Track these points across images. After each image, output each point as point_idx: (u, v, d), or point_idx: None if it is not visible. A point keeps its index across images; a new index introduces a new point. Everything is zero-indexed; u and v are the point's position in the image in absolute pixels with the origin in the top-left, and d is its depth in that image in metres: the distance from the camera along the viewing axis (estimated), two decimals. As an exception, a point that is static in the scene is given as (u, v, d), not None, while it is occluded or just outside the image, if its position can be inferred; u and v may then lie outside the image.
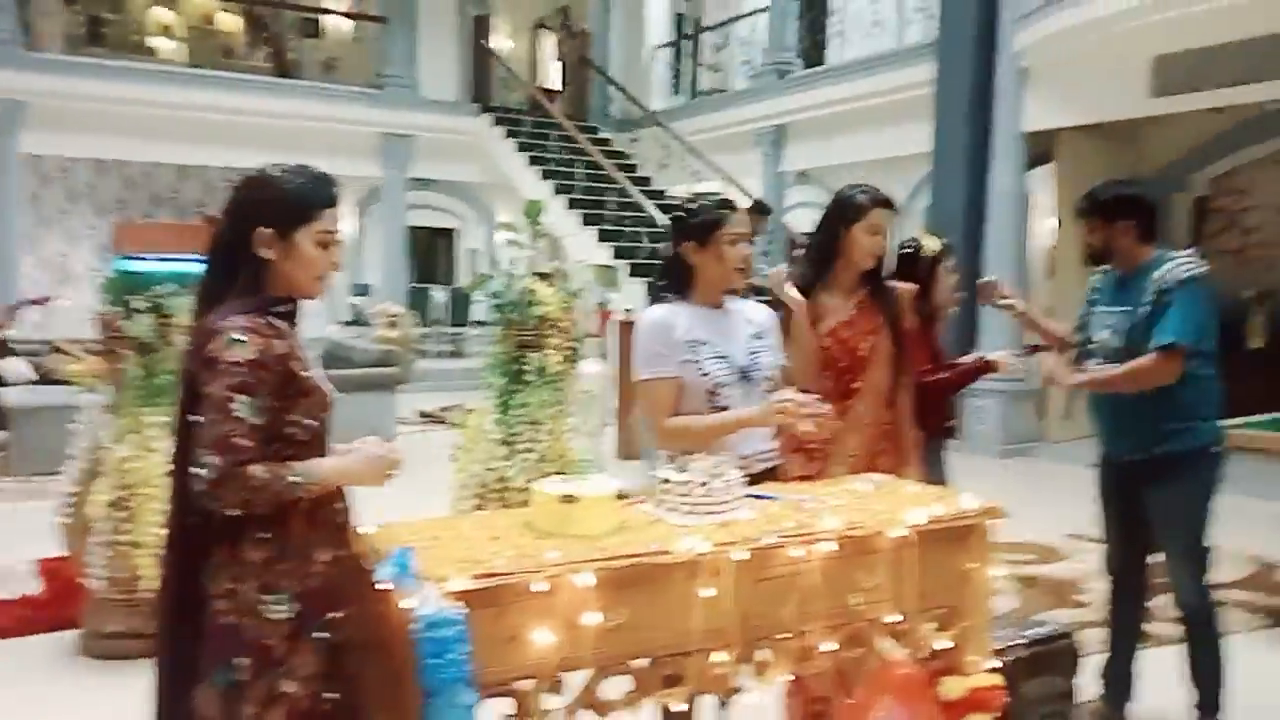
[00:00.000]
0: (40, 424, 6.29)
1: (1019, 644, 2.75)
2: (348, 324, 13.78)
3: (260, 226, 1.83)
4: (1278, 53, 6.22)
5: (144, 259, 12.39)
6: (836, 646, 2.01)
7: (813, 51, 11.79)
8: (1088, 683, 3.06)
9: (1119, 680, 3.22)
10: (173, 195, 14.12)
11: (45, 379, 7.44)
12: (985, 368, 3.37)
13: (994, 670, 2.28)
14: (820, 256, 2.88)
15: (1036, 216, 8.52)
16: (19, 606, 4.04)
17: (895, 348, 2.85)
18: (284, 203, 1.84)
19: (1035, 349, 7.60)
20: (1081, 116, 7.81)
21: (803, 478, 2.59)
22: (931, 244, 3.47)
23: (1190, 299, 2.88)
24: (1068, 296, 3.62)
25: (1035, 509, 4.19)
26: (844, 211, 2.85)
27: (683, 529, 1.88)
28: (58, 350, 7.75)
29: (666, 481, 1.98)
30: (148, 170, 14.15)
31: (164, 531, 1.94)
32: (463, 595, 1.55)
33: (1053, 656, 2.82)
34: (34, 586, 4.27)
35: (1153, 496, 3.03)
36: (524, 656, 1.65)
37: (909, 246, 3.48)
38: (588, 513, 1.81)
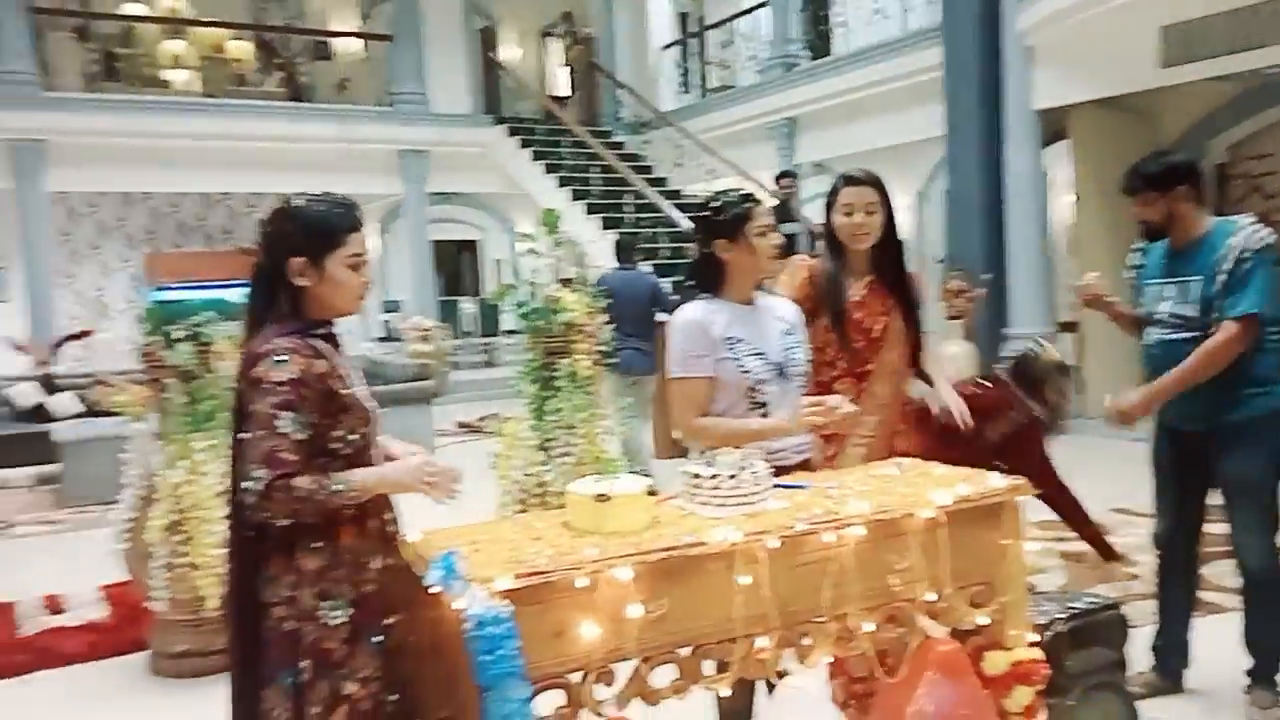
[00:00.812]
0: (90, 455, 6.46)
1: (1062, 617, 2.77)
2: (381, 340, 13.96)
3: (292, 256, 1.92)
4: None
5: (177, 288, 12.64)
6: (875, 627, 2.06)
7: (818, 43, 11.81)
8: (1140, 654, 3.09)
9: (1171, 650, 3.23)
10: (200, 223, 14.37)
11: (92, 411, 7.64)
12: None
13: (1035, 644, 2.33)
14: (828, 245, 2.95)
15: (1055, 194, 8.50)
16: (87, 632, 4.18)
17: (909, 328, 2.89)
18: (311, 232, 1.94)
19: (1066, 326, 7.58)
20: (1092, 91, 7.78)
21: (824, 460, 2.65)
22: (1051, 354, 3.55)
23: (1265, 265, 2.89)
24: (1091, 270, 3.64)
25: (1079, 484, 4.21)
26: (829, 195, 2.93)
27: (714, 521, 1.93)
28: (101, 383, 7.93)
29: (696, 476, 2.04)
30: (173, 200, 14.41)
31: (224, 546, 2.04)
32: (508, 594, 1.62)
33: (1099, 628, 2.83)
34: (100, 612, 4.41)
35: (1223, 464, 3.03)
36: (571, 650, 1.72)
37: (1027, 354, 3.58)
38: (621, 510, 1.87)
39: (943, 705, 2.11)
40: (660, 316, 6.43)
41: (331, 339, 2.01)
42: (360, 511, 1.95)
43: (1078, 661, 2.72)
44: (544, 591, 1.69)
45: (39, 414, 7.81)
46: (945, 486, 2.19)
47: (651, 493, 2.01)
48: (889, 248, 2.92)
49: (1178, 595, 3.25)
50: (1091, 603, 2.87)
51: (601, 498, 1.88)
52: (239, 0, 14.81)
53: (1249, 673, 3.08)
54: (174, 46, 13.74)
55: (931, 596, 2.13)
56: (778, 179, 9.66)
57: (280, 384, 1.83)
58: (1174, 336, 3.04)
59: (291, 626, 1.86)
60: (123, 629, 4.17)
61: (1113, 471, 3.50)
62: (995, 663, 2.24)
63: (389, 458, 2.08)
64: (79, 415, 7.65)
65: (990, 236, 8.29)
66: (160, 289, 13.55)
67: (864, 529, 1.99)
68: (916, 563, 2.08)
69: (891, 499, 2.13)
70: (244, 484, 1.81)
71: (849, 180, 2.88)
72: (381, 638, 1.93)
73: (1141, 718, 2.84)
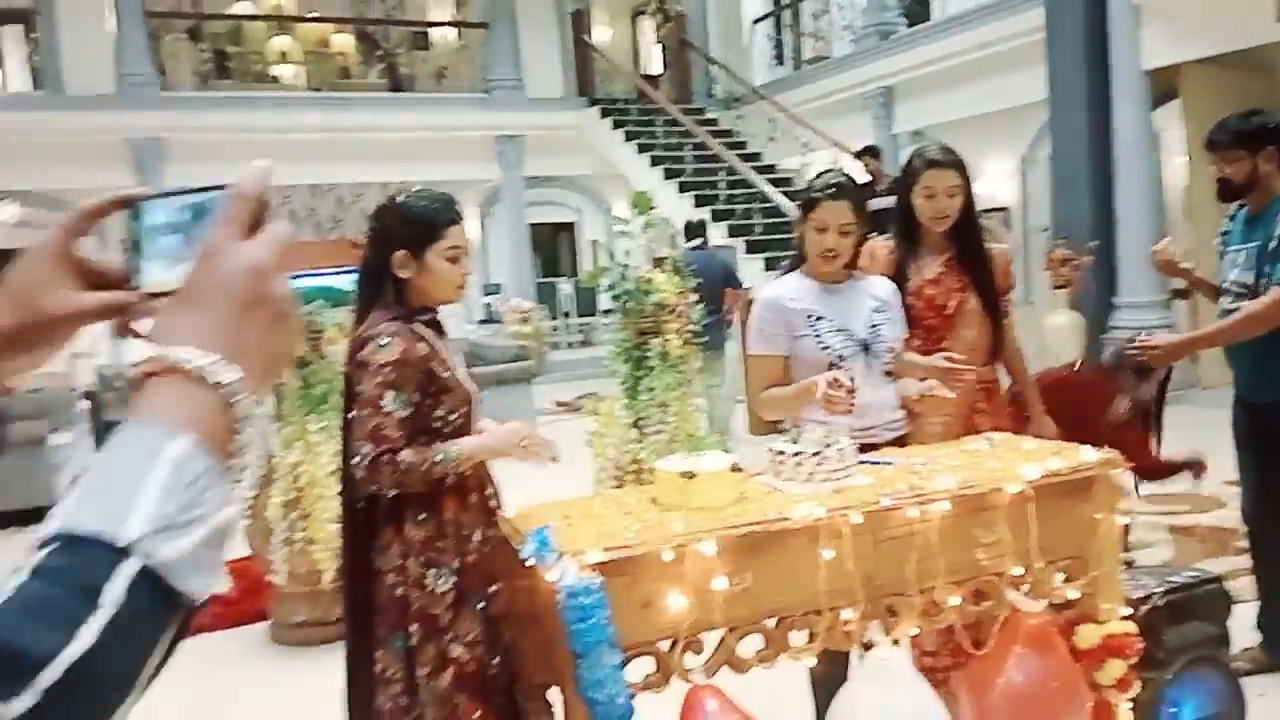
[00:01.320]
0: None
1: (1160, 591, 2.74)
2: (482, 323, 14.29)
3: (396, 249, 2.05)
4: None
5: (290, 277, 13.12)
6: (960, 600, 2.08)
7: (916, 8, 11.53)
8: (1247, 630, 3.02)
9: (1276, 626, 3.15)
10: (309, 213, 14.91)
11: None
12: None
13: (1130, 618, 2.31)
14: (901, 221, 2.92)
15: (1166, 157, 8.17)
16: (213, 604, 4.42)
17: (986, 305, 2.87)
18: (412, 227, 2.07)
19: (1179, 294, 7.30)
20: (1205, 48, 7.45)
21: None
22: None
23: None
24: (1206, 236, 3.54)
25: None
26: (906, 175, 2.89)
27: (798, 497, 1.98)
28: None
29: (781, 453, 2.09)
30: (284, 192, 14.95)
31: (338, 521, 2.20)
32: (598, 566, 1.71)
33: (1199, 602, 2.78)
34: (226, 586, 4.70)
35: None
36: (659, 620, 1.79)
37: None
38: (707, 486, 1.94)
39: (1031, 678, 2.12)
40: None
41: (435, 324, 2.13)
42: (462, 486, 2.08)
43: (1175, 636, 2.68)
44: (632, 564, 1.77)
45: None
46: (1036, 461, 2.20)
47: (737, 469, 2.07)
48: (967, 226, 2.88)
49: (1273, 571, 3.16)
50: (1192, 577, 2.82)
51: (687, 475, 1.95)
52: (340, -5, 15.24)
53: None
54: (281, 43, 14.27)
55: (1019, 570, 2.14)
56: (858, 155, 9.42)
57: (384, 365, 1.97)
58: (1234, 305, 2.98)
59: (401, 593, 2.00)
60: (246, 601, 4.43)
61: (1226, 443, 3.39)
62: (1087, 636, 2.24)
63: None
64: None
65: (1098, 203, 8.02)
66: (274, 278, 14.14)
67: (949, 504, 2.01)
68: (1004, 537, 2.09)
69: (979, 474, 2.14)
70: (353, 459, 1.96)
71: (931, 163, 2.82)
72: (484, 605, 2.05)
73: (1246, 694, 2.78)
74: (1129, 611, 2.34)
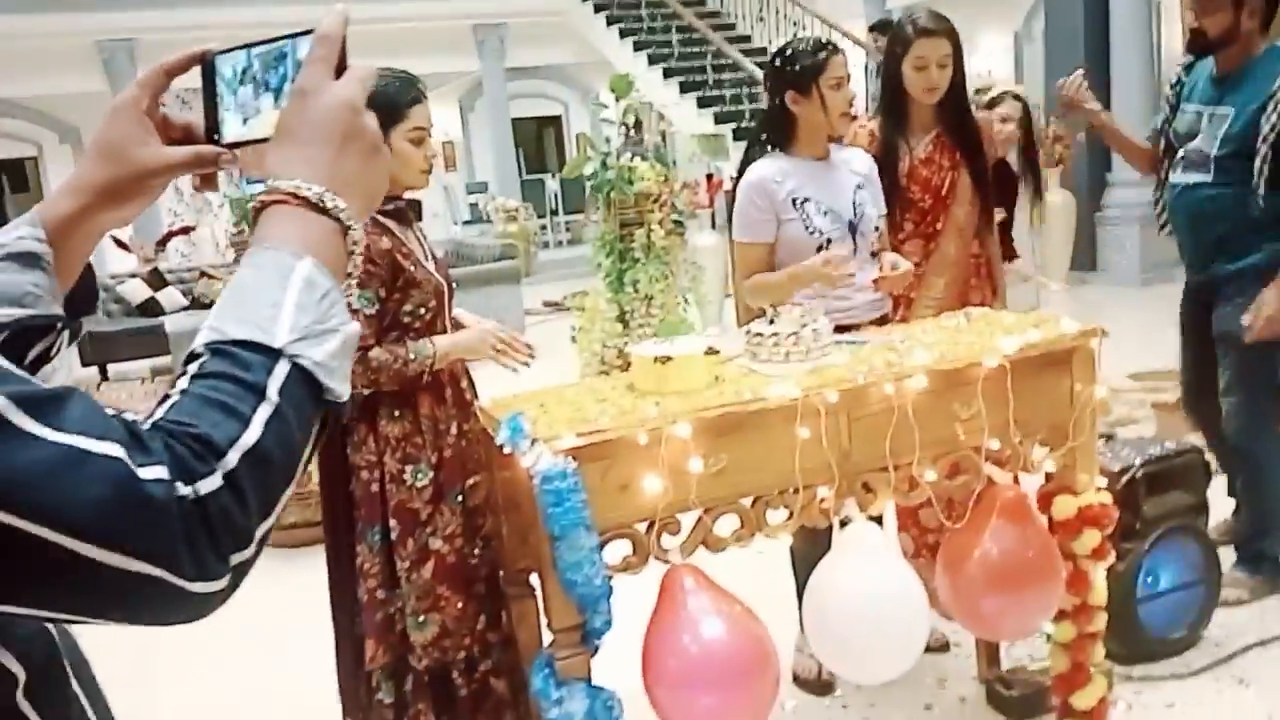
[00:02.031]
0: (199, 345, 6.81)
1: (1139, 463, 2.76)
2: (468, 223, 14.14)
3: None
4: None
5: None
6: (937, 475, 2.09)
7: (907, -125, 11.06)
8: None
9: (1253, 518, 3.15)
10: (288, 113, 14.56)
11: (198, 304, 8.02)
12: None
13: (1108, 489, 2.34)
14: (889, 97, 2.79)
15: (1166, 26, 7.94)
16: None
17: (976, 182, 2.79)
18: (373, 106, 1.98)
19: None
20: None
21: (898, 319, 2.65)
22: None
23: None
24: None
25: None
26: (895, 45, 2.72)
27: (774, 377, 1.98)
28: (205, 275, 8.30)
29: (758, 335, 2.07)
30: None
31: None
32: (573, 451, 1.71)
33: (1178, 473, 2.81)
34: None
35: (1215, 317, 2.88)
36: (636, 502, 1.81)
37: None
38: (682, 370, 1.92)
39: (1007, 549, 2.15)
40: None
41: (400, 214, 2.07)
42: (437, 381, 2.06)
43: (1154, 506, 2.72)
44: (607, 448, 1.77)
45: (149, 308, 8.22)
46: (1014, 334, 2.18)
47: (713, 352, 2.05)
48: (954, 98, 2.75)
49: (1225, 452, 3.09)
50: (1171, 448, 2.84)
51: (662, 359, 1.94)
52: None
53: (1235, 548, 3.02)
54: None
55: (995, 444, 2.15)
56: (871, 30, 9.12)
57: None
58: (1193, 179, 2.80)
59: (377, 489, 2.00)
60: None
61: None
62: (1064, 507, 2.27)
63: (462, 329, 2.18)
64: (185, 309, 8.04)
65: (1095, 76, 7.79)
66: (254, 181, 13.91)
67: (925, 380, 2.01)
68: (981, 410, 2.10)
69: (956, 349, 2.13)
70: None
71: (924, 31, 2.66)
72: (462, 497, 2.06)
73: (1223, 563, 2.84)
74: (1106, 483, 2.36)
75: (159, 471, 0.57)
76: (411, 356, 1.96)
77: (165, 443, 0.58)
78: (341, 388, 0.67)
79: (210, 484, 0.58)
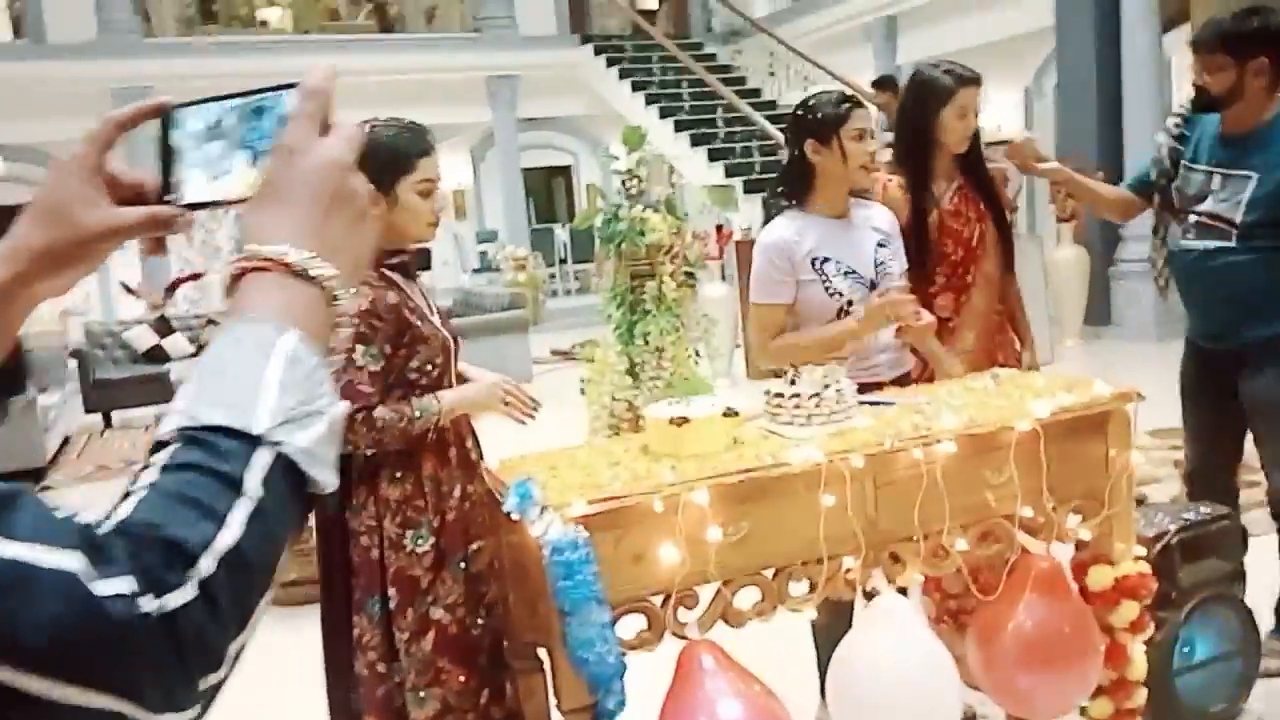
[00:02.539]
0: (204, 393, 6.75)
1: (1174, 529, 2.65)
2: (477, 271, 14.14)
3: None
4: None
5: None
6: (968, 545, 1.99)
7: (917, -67, 11.18)
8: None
9: None
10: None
11: (202, 351, 7.98)
12: None
13: (1143, 558, 2.23)
14: (915, 148, 2.71)
15: (1177, 84, 7.95)
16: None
17: (1000, 232, 2.73)
18: (380, 158, 1.91)
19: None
20: (1218, -35, 7.19)
21: (920, 377, 2.55)
22: None
23: None
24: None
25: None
26: (929, 96, 2.64)
27: (796, 441, 1.88)
28: (211, 322, 8.25)
29: (778, 395, 1.98)
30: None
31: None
32: (584, 520, 1.61)
33: (1214, 539, 2.70)
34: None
35: (1251, 385, 2.73)
36: (651, 573, 1.70)
37: None
38: (699, 433, 1.83)
39: (1043, 623, 2.04)
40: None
41: (405, 268, 2.00)
42: (441, 440, 1.97)
43: (1190, 574, 2.60)
44: (620, 516, 1.67)
45: (155, 355, 8.18)
46: (1046, 397, 2.09)
47: (732, 413, 1.96)
48: (975, 148, 2.72)
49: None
50: (1205, 513, 2.72)
51: (679, 421, 1.85)
52: (325, -66, 14.84)
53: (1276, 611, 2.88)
54: (266, -16, 13.93)
55: (1029, 512, 2.05)
56: (874, 85, 9.15)
57: (352, 316, 1.84)
58: (1213, 245, 2.66)
59: (377, 555, 1.90)
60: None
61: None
62: (1100, 578, 2.16)
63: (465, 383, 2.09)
64: (191, 356, 8.00)
65: (1106, 132, 7.82)
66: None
67: (955, 445, 1.91)
68: (1014, 477, 2.00)
69: (987, 412, 2.04)
70: None
71: (964, 80, 2.61)
72: (465, 563, 1.95)
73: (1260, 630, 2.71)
74: (1143, 551, 2.25)
75: (121, 585, 0.49)
76: (417, 414, 1.86)
77: (129, 550, 0.51)
78: (328, 478, 0.60)
79: (180, 597, 0.51)
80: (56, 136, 11.82)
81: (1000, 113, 11.38)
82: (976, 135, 2.71)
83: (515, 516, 1.67)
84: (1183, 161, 2.77)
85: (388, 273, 1.94)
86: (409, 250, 2.01)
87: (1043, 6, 8.22)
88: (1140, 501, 3.20)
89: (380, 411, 1.83)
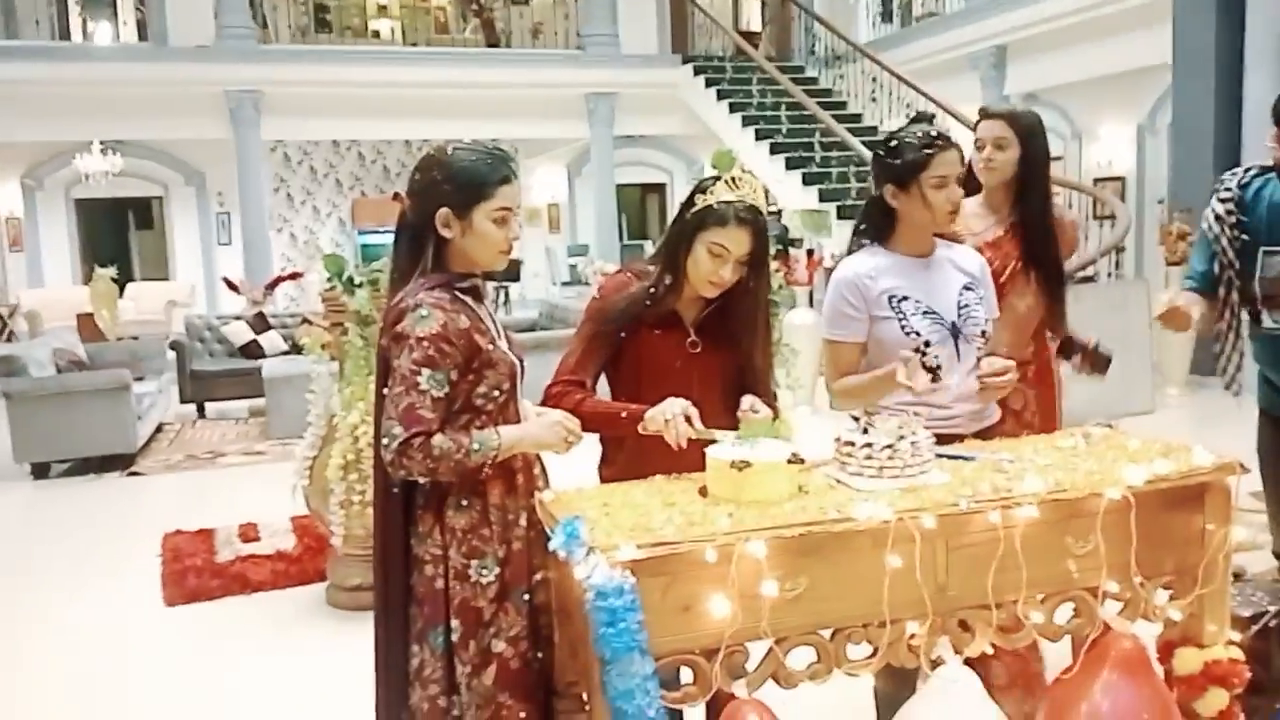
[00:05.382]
0: (293, 391, 6.86)
1: (1275, 610, 2.46)
2: (566, 284, 14.23)
3: (439, 207, 1.88)
4: None
5: (380, 231, 13.39)
6: (1044, 618, 1.86)
7: (1033, -37, 10.88)
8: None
9: None
10: (402, 169, 15.01)
11: (296, 349, 8.17)
12: None
13: (1236, 643, 2.06)
14: (968, 184, 2.61)
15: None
16: (275, 561, 4.46)
17: (1045, 280, 2.66)
18: (460, 183, 1.88)
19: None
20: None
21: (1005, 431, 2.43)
22: None
23: None
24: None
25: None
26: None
27: (864, 494, 1.78)
28: (306, 322, 8.44)
29: (849, 444, 1.88)
30: (379, 147, 15.14)
31: (371, 500, 2.05)
32: (632, 564, 1.54)
33: (1317, 621, 2.50)
34: (289, 542, 4.70)
35: None
36: (700, 626, 1.63)
37: None
38: (762, 479, 1.75)
39: (1121, 706, 1.89)
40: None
41: (475, 292, 1.96)
42: (507, 466, 1.92)
43: (1291, 662, 2.41)
44: (670, 563, 1.60)
45: (251, 351, 8.41)
46: (1139, 462, 1.95)
47: (798, 460, 1.87)
48: (1030, 191, 2.70)
49: None
50: (1314, 597, 2.52)
51: (740, 465, 1.76)
52: (439, -51, 15.19)
53: None
54: (379, -3, 14.31)
55: (1114, 586, 1.90)
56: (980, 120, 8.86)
57: (423, 339, 1.80)
58: None
59: (441, 585, 1.85)
60: (307, 559, 4.42)
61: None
62: (1187, 661, 2.00)
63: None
64: (284, 353, 8.19)
65: (1222, 175, 7.45)
66: (364, 232, 14.33)
67: (1037, 510, 1.79)
68: (1099, 547, 1.86)
69: (1074, 476, 1.91)
70: (383, 439, 1.80)
71: (982, 114, 2.80)
72: (529, 595, 1.90)
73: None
74: (1237, 636, 2.08)
75: None
76: (475, 446, 1.81)
77: None
78: None
79: None
80: (171, 135, 12.36)
81: (1112, 148, 10.98)
82: (1029, 174, 2.70)
83: (561, 555, 1.62)
84: (1262, 248, 2.59)
85: (460, 296, 1.90)
86: (477, 274, 1.97)
87: (1160, 40, 7.90)
88: (1238, 576, 2.99)
89: (438, 439, 1.78)
